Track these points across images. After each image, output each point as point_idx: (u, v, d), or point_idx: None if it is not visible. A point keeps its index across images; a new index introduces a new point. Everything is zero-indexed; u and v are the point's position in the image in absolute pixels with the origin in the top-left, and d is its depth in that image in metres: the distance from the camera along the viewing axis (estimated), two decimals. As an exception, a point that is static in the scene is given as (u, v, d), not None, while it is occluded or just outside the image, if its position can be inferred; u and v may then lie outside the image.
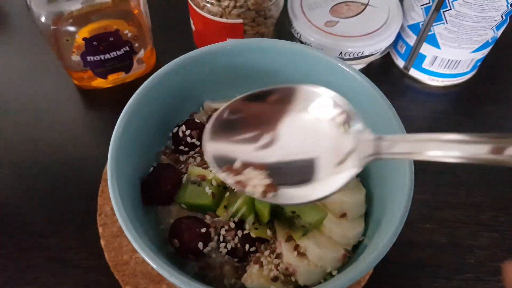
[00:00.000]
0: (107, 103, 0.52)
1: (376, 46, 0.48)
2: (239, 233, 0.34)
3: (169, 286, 0.39)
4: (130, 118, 0.35)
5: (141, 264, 0.41)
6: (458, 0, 0.43)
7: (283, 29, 0.51)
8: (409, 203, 0.32)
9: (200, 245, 0.34)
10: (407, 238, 0.43)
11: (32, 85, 0.53)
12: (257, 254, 0.34)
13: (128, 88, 0.52)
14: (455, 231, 0.44)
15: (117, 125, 0.34)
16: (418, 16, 0.48)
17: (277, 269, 0.33)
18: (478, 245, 0.43)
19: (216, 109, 0.41)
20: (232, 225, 0.34)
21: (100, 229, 0.42)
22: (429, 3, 0.46)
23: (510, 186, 0.47)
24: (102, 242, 0.42)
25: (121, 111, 0.51)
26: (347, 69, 0.37)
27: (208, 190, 0.34)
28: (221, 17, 0.45)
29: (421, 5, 0.47)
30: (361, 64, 0.52)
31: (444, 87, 0.54)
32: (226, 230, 0.34)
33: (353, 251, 0.35)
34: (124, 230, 0.30)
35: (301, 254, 0.33)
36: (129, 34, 0.47)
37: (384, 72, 0.56)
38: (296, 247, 0.33)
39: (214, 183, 0.35)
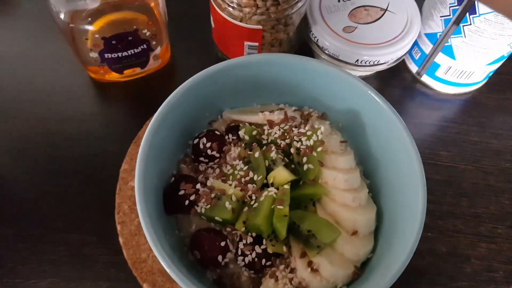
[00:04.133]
0: (122, 97, 0.53)
1: (392, 55, 0.49)
2: (257, 248, 0.35)
3: (185, 285, 0.41)
4: (157, 129, 0.36)
5: (159, 263, 0.42)
6: (479, 17, 0.43)
7: (300, 32, 0.51)
8: (421, 227, 0.34)
9: (220, 257, 0.36)
10: (409, 246, 0.45)
11: (47, 75, 0.53)
12: (273, 268, 0.36)
13: (143, 82, 0.53)
14: (455, 240, 0.46)
15: (145, 138, 0.35)
16: (436, 26, 0.49)
17: (291, 283, 0.35)
18: (476, 255, 0.46)
19: (234, 120, 0.42)
20: (250, 239, 0.36)
21: (118, 227, 0.44)
22: (449, 15, 0.46)
23: (511, 198, 0.49)
24: (121, 240, 0.44)
25: (136, 105, 0.53)
26: (367, 89, 0.38)
27: (228, 205, 0.36)
28: (240, 21, 0.45)
29: (441, 16, 0.47)
30: (375, 70, 0.52)
31: (454, 94, 0.55)
32: (244, 244, 0.36)
33: (361, 267, 0.37)
34: (149, 241, 0.32)
35: (314, 270, 0.35)
36: (148, 33, 0.47)
37: (396, 76, 0.56)
38: (310, 263, 0.35)
39: (233, 198, 0.36)
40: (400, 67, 0.56)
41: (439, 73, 0.52)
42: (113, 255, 0.44)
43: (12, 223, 0.45)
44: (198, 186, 0.38)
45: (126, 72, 0.51)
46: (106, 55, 0.47)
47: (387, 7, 0.51)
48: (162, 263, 0.32)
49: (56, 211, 0.46)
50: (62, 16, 0.43)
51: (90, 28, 0.44)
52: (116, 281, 0.43)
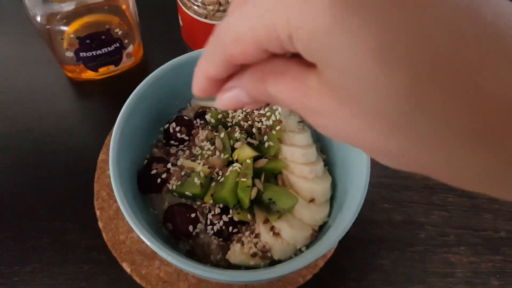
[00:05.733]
0: (98, 94, 0.56)
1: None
2: (224, 217, 0.39)
3: (161, 262, 0.45)
4: (128, 117, 0.40)
5: (136, 243, 0.46)
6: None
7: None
8: (364, 193, 0.38)
9: (191, 227, 0.39)
10: (368, 217, 0.50)
11: (25, 75, 0.56)
12: (239, 235, 0.39)
13: (117, 80, 0.57)
14: (410, 210, 0.51)
15: (117, 123, 0.39)
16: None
17: (256, 247, 0.39)
18: (429, 222, 0.50)
19: (202, 106, 0.46)
20: (218, 210, 0.39)
21: (97, 213, 0.47)
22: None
23: (459, 170, 0.53)
24: (100, 224, 0.47)
25: (112, 101, 0.56)
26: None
27: (197, 181, 0.40)
28: (205, 18, 0.49)
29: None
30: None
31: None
32: (212, 215, 0.39)
33: (319, 231, 0.41)
34: (126, 217, 0.35)
35: (276, 234, 0.39)
36: (120, 32, 0.51)
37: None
38: (272, 228, 0.39)
39: (202, 174, 0.40)
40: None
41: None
42: (93, 239, 0.46)
43: (-4, 215, 0.47)
44: (169, 165, 0.41)
45: (101, 70, 0.54)
46: (81, 54, 0.51)
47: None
48: (141, 236, 0.35)
49: (38, 202, 0.48)
50: (38, 18, 0.47)
51: (65, 29, 0.48)
52: (97, 263, 0.46)
